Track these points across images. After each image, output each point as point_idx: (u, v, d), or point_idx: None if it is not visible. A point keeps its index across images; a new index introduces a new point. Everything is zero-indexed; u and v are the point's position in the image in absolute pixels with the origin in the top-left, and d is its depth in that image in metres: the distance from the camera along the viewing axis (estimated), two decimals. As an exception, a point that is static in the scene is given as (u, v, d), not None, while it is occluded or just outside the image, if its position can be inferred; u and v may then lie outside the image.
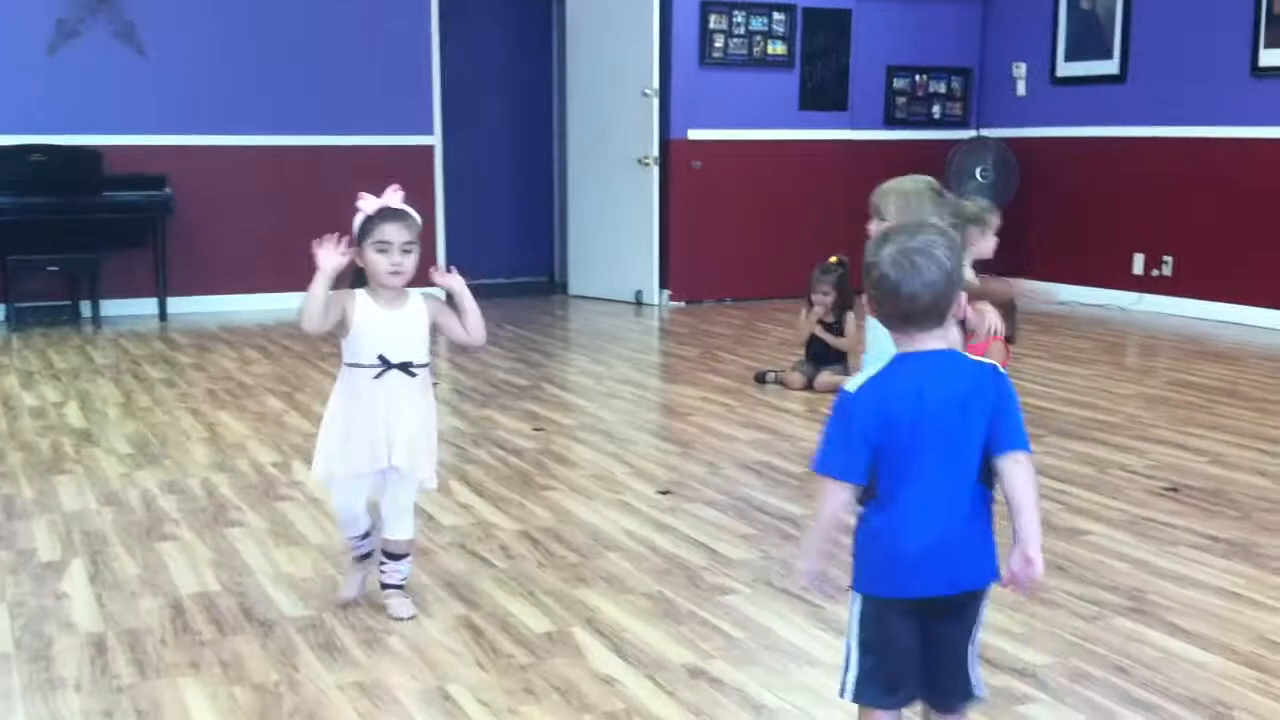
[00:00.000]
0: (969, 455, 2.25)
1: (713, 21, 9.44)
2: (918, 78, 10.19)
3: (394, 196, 3.25)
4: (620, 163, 9.54)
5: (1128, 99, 9.17)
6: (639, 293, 9.61)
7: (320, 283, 3.16)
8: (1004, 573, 2.32)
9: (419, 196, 9.38)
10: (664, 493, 4.63)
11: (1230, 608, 3.47)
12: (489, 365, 7.12)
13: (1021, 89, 10.05)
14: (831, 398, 5.80)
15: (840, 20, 9.83)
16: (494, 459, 5.09)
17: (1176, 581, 3.67)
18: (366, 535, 3.50)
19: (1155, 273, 8.94)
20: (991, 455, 2.26)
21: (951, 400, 2.22)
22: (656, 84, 9.27)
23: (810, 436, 5.46)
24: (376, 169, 9.22)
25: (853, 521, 2.33)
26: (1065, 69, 9.67)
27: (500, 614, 3.43)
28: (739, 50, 9.55)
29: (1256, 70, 8.32)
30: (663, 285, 9.52)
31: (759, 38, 9.59)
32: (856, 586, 2.33)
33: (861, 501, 2.29)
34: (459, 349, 7.54)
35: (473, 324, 3.38)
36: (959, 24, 10.28)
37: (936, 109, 10.31)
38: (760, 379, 6.60)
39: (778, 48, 9.66)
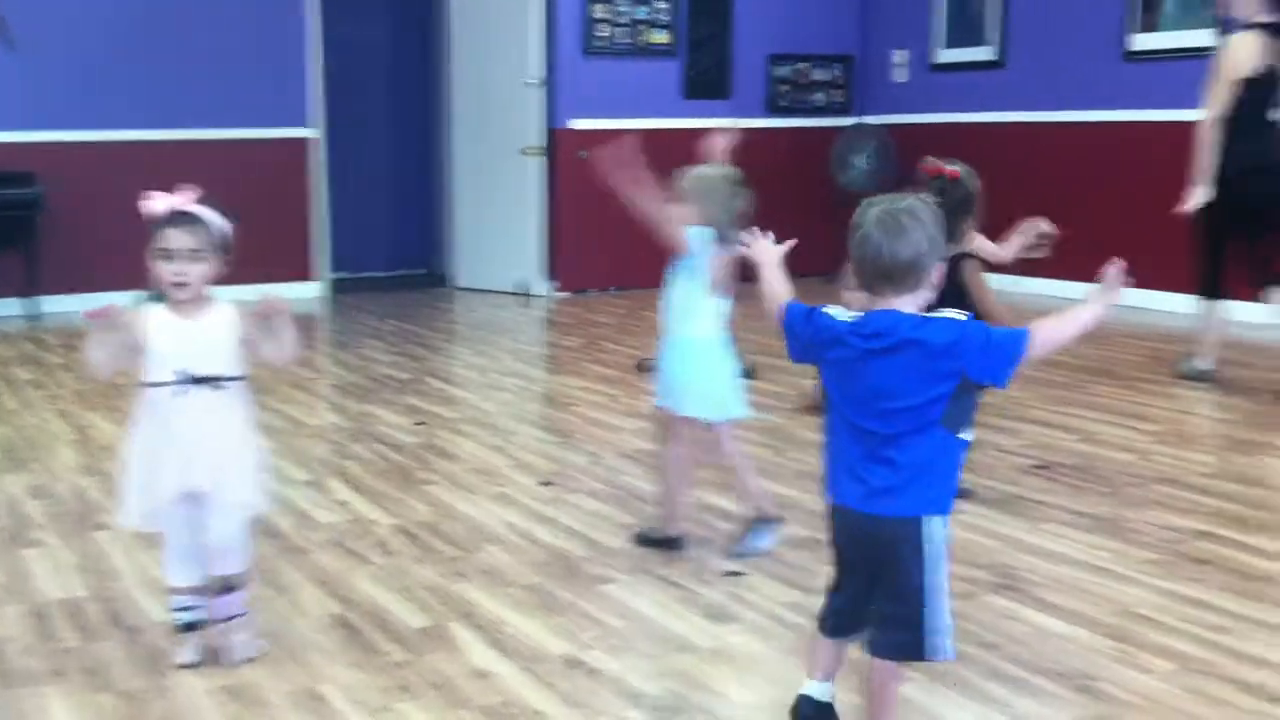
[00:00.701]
0: (899, 407, 2.34)
1: (597, 10, 9.42)
2: (799, 65, 10.26)
3: (183, 198, 2.93)
4: (505, 153, 9.49)
5: (1005, 84, 9.32)
6: (524, 283, 9.56)
7: (92, 339, 2.91)
8: None
9: (297, 190, 9.35)
10: (545, 484, 4.61)
11: (1097, 582, 3.54)
12: (370, 359, 7.04)
13: (902, 75, 10.17)
14: None
15: (722, 8, 9.86)
16: (373, 454, 5.03)
17: (1046, 558, 3.74)
18: (197, 594, 3.07)
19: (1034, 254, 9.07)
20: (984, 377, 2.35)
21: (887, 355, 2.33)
22: (541, 73, 9.23)
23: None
24: (254, 163, 9.10)
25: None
26: (944, 56, 9.80)
27: (376, 611, 3.39)
28: (623, 39, 9.54)
29: (1129, 55, 8.50)
30: (551, 276, 9.49)
31: (642, 26, 9.59)
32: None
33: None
34: (341, 345, 7.46)
35: (286, 348, 3.04)
36: (839, 12, 10.37)
37: (819, 96, 10.40)
38: (642, 367, 6.59)
39: (661, 36, 9.67)
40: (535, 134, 9.32)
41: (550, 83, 9.34)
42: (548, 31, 9.27)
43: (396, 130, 10.87)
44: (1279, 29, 5.93)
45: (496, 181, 9.65)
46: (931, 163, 4.45)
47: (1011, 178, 9.23)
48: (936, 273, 2.37)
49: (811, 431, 5.33)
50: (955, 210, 4.04)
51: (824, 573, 3.59)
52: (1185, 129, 8.22)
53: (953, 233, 3.57)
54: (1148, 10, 8.41)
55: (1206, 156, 6.07)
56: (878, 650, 2.45)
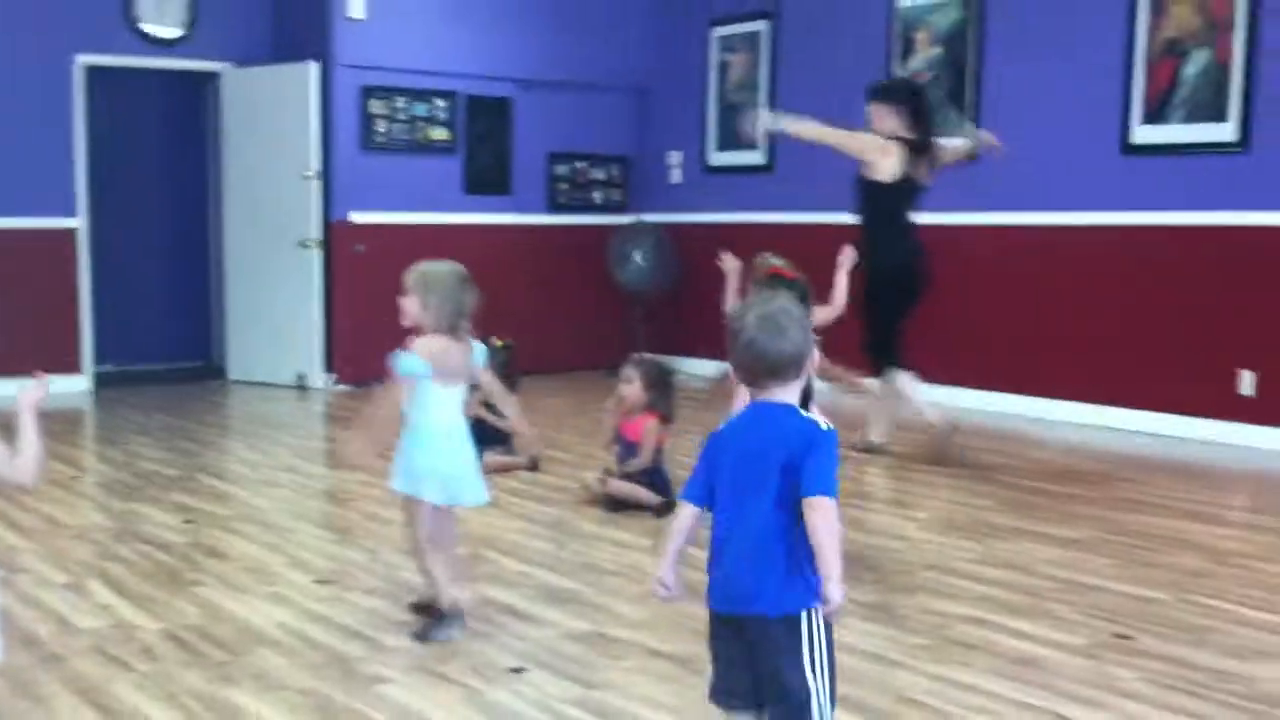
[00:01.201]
0: (764, 488, 2.51)
1: (374, 106, 9.40)
2: (578, 165, 10.43)
3: None
4: (281, 245, 9.35)
5: (774, 186, 9.64)
6: (302, 376, 9.39)
7: None
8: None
9: (62, 281, 9.01)
10: (321, 582, 4.50)
11: (871, 667, 3.62)
12: (136, 455, 6.79)
13: (677, 176, 10.42)
14: (496, 479, 5.88)
15: (502, 108, 9.96)
16: (138, 555, 4.84)
17: (821, 645, 3.81)
18: None
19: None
20: (800, 493, 2.48)
21: (754, 445, 2.54)
22: (317, 167, 9.15)
23: (475, 518, 5.43)
24: (15, 252, 8.77)
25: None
26: (716, 158, 10.10)
27: None
28: (402, 134, 9.54)
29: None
30: (329, 368, 9.33)
31: (421, 123, 9.61)
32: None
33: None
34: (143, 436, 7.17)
35: (24, 461, 2.68)
36: (616, 114, 10.60)
37: (597, 194, 10.57)
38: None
39: (440, 133, 9.70)
40: (313, 226, 9.21)
41: (327, 176, 9.26)
42: (324, 125, 9.21)
43: (168, 220, 10.60)
44: (917, 145, 6.70)
45: (273, 272, 9.49)
46: (770, 263, 4.80)
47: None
48: (811, 364, 2.62)
49: (593, 524, 5.35)
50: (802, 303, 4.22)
51: (604, 665, 3.61)
52: (943, 231, 8.64)
53: None
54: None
55: (804, 125, 7.01)
56: None
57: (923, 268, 6.81)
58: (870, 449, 6.76)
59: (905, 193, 6.75)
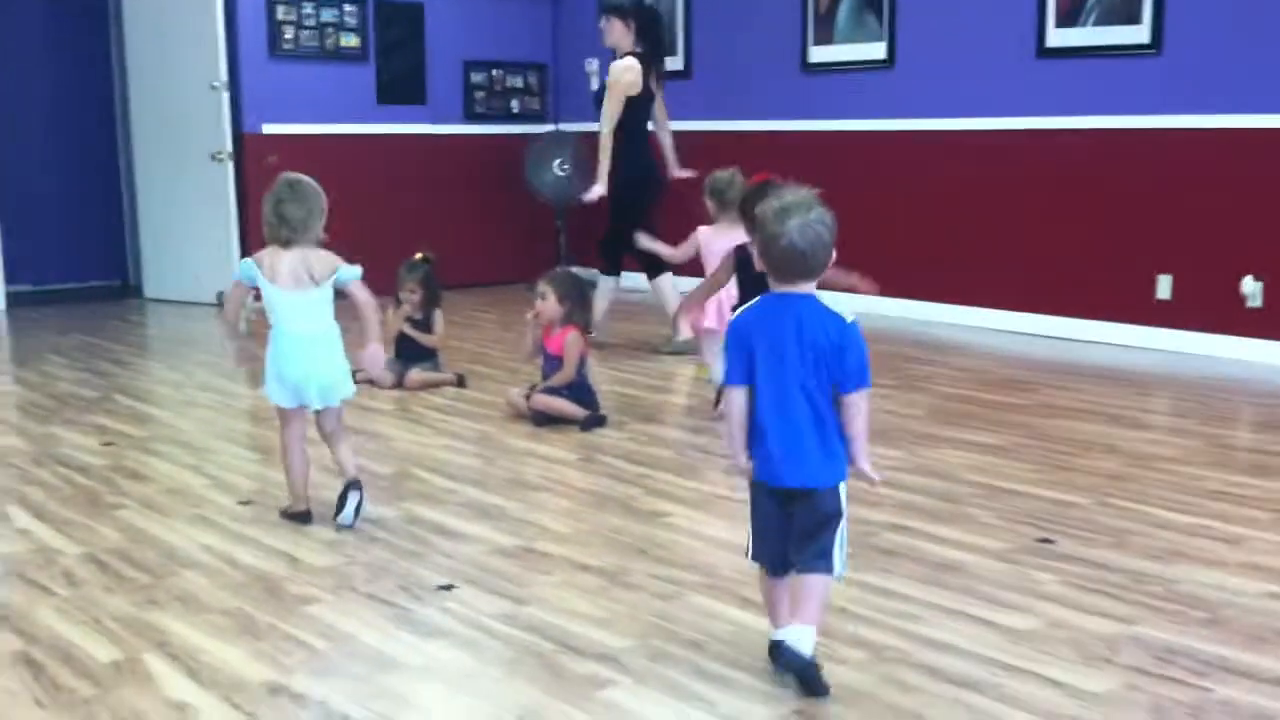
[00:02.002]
0: (802, 378, 2.87)
1: (280, 12, 9.18)
2: (494, 73, 10.27)
3: None
4: (192, 159, 9.14)
5: (691, 93, 9.56)
6: (220, 294, 9.23)
7: None
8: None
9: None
10: (245, 503, 4.46)
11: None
12: (52, 377, 6.66)
13: (595, 84, 10.29)
14: (422, 395, 5.96)
15: (413, 14, 9.78)
16: (57, 479, 4.76)
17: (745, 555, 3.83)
18: None
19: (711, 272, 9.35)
20: (841, 390, 2.89)
21: (789, 337, 2.86)
22: (225, 77, 8.93)
23: (402, 436, 5.41)
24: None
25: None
26: (635, 64, 9.98)
27: (62, 646, 3.20)
28: (310, 42, 9.33)
29: (807, 66, 8.86)
30: (244, 286, 9.17)
31: (331, 29, 9.41)
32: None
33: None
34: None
35: None
36: (532, 21, 10.45)
37: (515, 103, 10.44)
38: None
39: (351, 40, 9.50)
40: (222, 139, 9.00)
41: (235, 86, 9.04)
42: (229, 33, 8.96)
43: (75, 135, 10.30)
44: (648, 57, 7.39)
45: (184, 188, 9.28)
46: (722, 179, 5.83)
47: (697, 184, 9.49)
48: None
49: (519, 439, 5.33)
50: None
51: (533, 580, 3.62)
52: (861, 137, 8.64)
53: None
54: (821, 24, 8.77)
55: (606, 161, 7.33)
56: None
57: (662, 174, 7.55)
58: (675, 351, 7.20)
59: (644, 105, 7.41)
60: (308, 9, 9.28)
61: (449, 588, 3.60)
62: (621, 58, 7.40)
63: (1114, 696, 2.88)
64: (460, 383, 6.40)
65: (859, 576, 3.64)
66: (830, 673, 2.99)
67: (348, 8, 9.45)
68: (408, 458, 5.04)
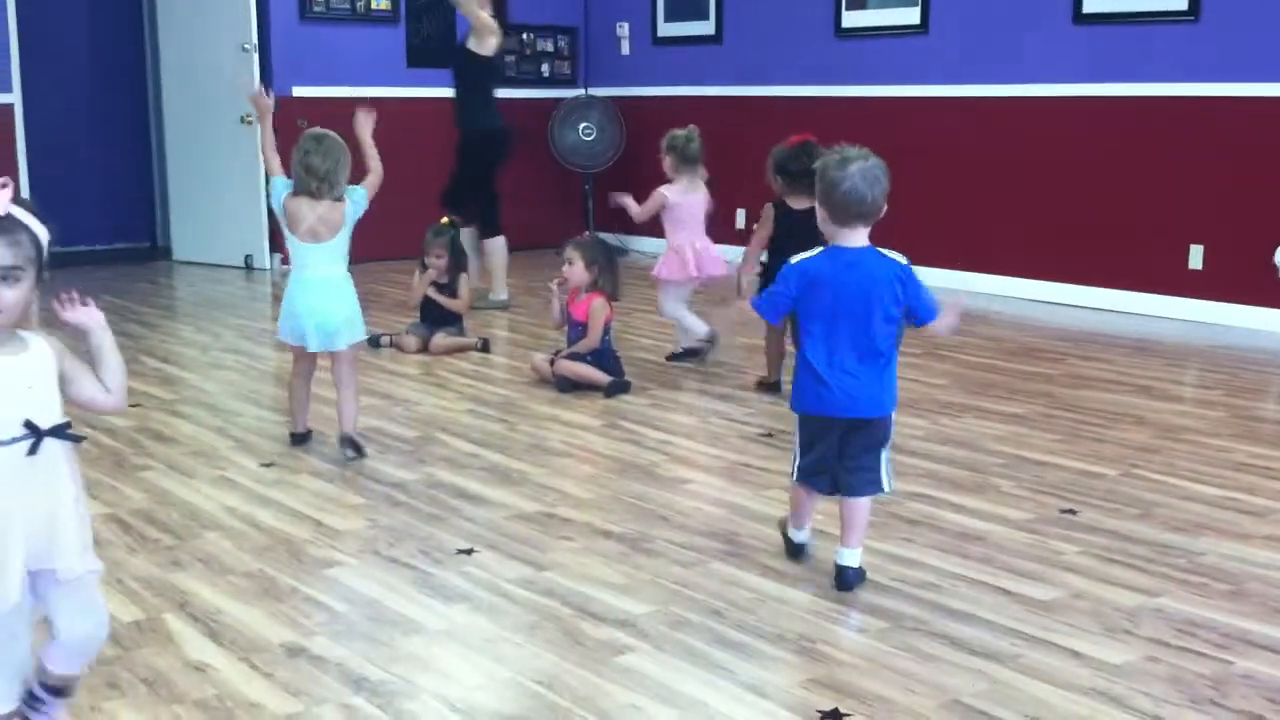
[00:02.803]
0: (870, 322, 3.20)
1: (311, -26, 9.16)
2: (525, 36, 10.23)
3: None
4: (222, 121, 9.15)
5: (723, 59, 9.50)
6: (249, 257, 9.26)
7: None
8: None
9: (-3, 159, 8.79)
10: (268, 465, 4.47)
11: (816, 545, 3.64)
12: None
13: (625, 49, 10.25)
14: (446, 360, 6.06)
15: (445, -24, 9.73)
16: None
17: (768, 523, 3.83)
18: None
19: (756, 227, 9.31)
20: (918, 324, 3.28)
21: (856, 284, 3.19)
22: (255, 39, 8.92)
23: (426, 400, 5.42)
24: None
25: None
26: (665, 29, 9.92)
27: (85, 606, 3.22)
28: (342, 4, 9.31)
29: (840, 32, 8.78)
30: (274, 248, 9.19)
31: (362, -8, 9.39)
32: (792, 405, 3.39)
33: (796, 345, 3.36)
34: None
35: (113, 378, 2.49)
36: (564, -19, 10.39)
37: (545, 67, 10.39)
38: (374, 343, 6.47)
39: (381, 2, 9.48)
40: (254, 102, 8.99)
41: (265, 49, 9.03)
42: (260, -6, 8.94)
43: (105, 95, 10.33)
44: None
45: (214, 150, 9.30)
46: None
47: (729, 151, 9.43)
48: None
49: (543, 405, 5.33)
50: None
51: (553, 546, 3.62)
52: (894, 103, 8.57)
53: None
54: (859, -11, 8.70)
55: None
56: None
57: (510, 135, 7.71)
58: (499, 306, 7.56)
59: (499, 67, 7.85)
60: (338, -30, 9.27)
61: (470, 552, 3.61)
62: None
63: (1134, 668, 2.86)
64: (485, 347, 6.40)
65: (881, 546, 3.63)
66: (850, 641, 2.98)
67: (378, -31, 9.43)
68: (431, 422, 5.05)
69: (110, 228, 10.43)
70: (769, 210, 5.34)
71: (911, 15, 8.35)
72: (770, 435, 4.83)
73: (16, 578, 2.29)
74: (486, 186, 7.61)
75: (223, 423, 5.06)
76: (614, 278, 5.67)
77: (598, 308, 5.52)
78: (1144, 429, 4.94)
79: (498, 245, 7.62)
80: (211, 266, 9.41)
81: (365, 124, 4.74)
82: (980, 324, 7.16)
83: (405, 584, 3.39)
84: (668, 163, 6.05)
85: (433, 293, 6.51)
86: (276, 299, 8.26)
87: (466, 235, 7.34)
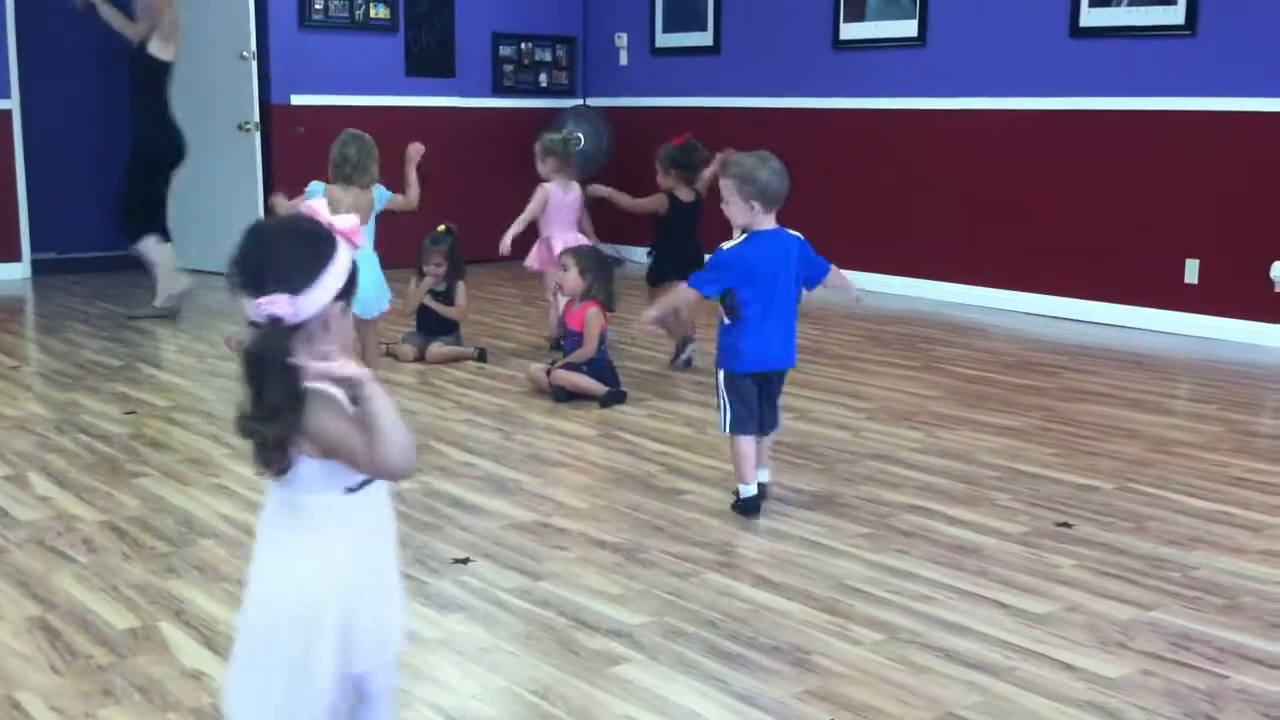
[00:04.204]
0: (793, 287, 4.01)
1: (310, -19, 9.18)
2: (523, 45, 10.24)
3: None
4: (220, 128, 9.13)
5: (721, 70, 9.52)
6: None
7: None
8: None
9: (-7, 165, 8.78)
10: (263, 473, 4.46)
11: (811, 556, 3.65)
12: (77, 344, 6.70)
13: (624, 59, 10.27)
14: (442, 369, 6.14)
15: (443, -16, 9.75)
16: (79, 446, 4.78)
17: (764, 535, 3.84)
18: None
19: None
20: (814, 281, 4.10)
21: (780, 255, 3.97)
22: (254, 46, 8.93)
23: (424, 409, 5.42)
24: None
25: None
26: (664, 40, 9.95)
27: (79, 612, 3.22)
28: (340, 13, 9.33)
29: (838, 44, 8.80)
30: (269, 256, 9.18)
31: (360, 0, 9.39)
32: (719, 365, 4.06)
33: (729, 318, 3.98)
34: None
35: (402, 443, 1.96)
36: (560, -9, 10.41)
37: (543, 77, 10.41)
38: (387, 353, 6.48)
39: (380, 11, 9.50)
40: (250, 109, 9.00)
41: (264, 56, 9.04)
42: (259, 3, 8.95)
43: (101, 101, 10.33)
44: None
45: (211, 157, 9.26)
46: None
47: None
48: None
49: (539, 414, 5.33)
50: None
51: (549, 555, 3.62)
52: (891, 115, 8.59)
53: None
54: (853, 3, 8.71)
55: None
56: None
57: (185, 144, 7.68)
58: (163, 313, 7.60)
59: (171, 72, 7.61)
60: (337, -22, 9.29)
61: (465, 561, 3.61)
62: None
63: (1129, 682, 2.86)
64: (481, 357, 6.40)
65: (876, 557, 3.64)
66: (844, 653, 2.99)
67: (377, -23, 9.45)
68: (427, 431, 5.05)
69: (108, 235, 10.40)
70: (663, 198, 6.26)
71: (909, 28, 8.38)
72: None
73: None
74: (159, 193, 7.69)
75: (218, 430, 5.06)
76: (608, 287, 5.68)
77: (592, 317, 5.52)
78: (1138, 442, 4.94)
79: (166, 250, 7.69)
80: (208, 274, 9.39)
81: (414, 156, 5.78)
82: (975, 336, 7.17)
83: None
84: (551, 164, 6.66)
85: (429, 300, 6.51)
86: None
87: (153, 246, 7.57)
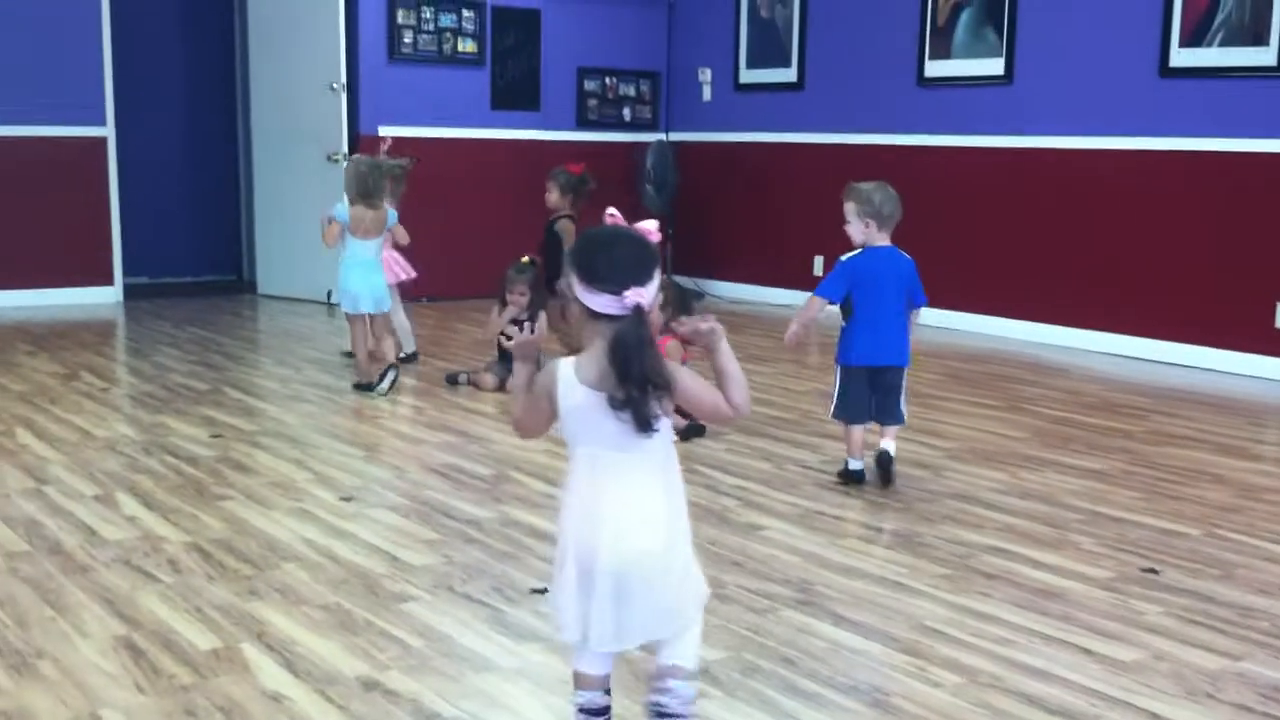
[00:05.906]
0: (901, 296, 4.66)
1: (401, 16, 9.32)
2: (608, 80, 10.31)
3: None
4: (310, 159, 9.30)
5: (805, 106, 9.52)
6: (331, 292, 9.38)
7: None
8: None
9: (93, 191, 9.01)
10: (346, 499, 4.52)
11: (891, 596, 3.62)
12: (166, 369, 6.82)
13: (707, 94, 10.30)
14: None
15: (530, 20, 9.86)
16: (166, 468, 4.86)
17: (843, 573, 3.81)
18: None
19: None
20: (914, 304, 4.72)
21: (892, 270, 4.65)
22: (344, 79, 9.07)
23: (503, 439, 5.45)
24: (46, 161, 8.76)
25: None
26: (747, 75, 9.97)
27: (163, 632, 3.27)
28: (429, 46, 9.46)
29: (923, 80, 8.77)
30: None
31: (449, 34, 9.52)
32: (837, 360, 4.74)
33: (845, 319, 4.67)
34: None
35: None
36: (646, 28, 10.47)
37: (627, 111, 10.47)
38: (452, 380, 6.54)
39: (468, 45, 9.61)
40: (339, 140, 9.14)
41: (353, 88, 9.19)
42: (350, 36, 9.11)
43: (197, 132, 10.57)
44: None
45: (301, 187, 9.44)
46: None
47: (809, 197, 9.42)
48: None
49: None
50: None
51: (626, 589, 3.61)
52: (976, 153, 8.54)
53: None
54: (938, 39, 8.69)
55: None
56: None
57: None
58: None
59: None
60: (427, 14, 9.42)
61: (543, 591, 3.62)
62: None
63: (1216, 733, 2.80)
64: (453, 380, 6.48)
65: (958, 599, 3.60)
66: (924, 695, 2.95)
67: (466, 13, 9.56)
68: (507, 461, 5.08)
69: (198, 260, 10.64)
70: (570, 225, 6.90)
71: (996, 66, 8.33)
72: (846, 483, 4.80)
73: None
74: None
75: (302, 455, 5.12)
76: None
77: (672, 350, 5.52)
78: (1225, 488, 4.85)
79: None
80: (294, 301, 9.54)
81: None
82: (1060, 378, 7.09)
83: (478, 620, 3.40)
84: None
85: (512, 330, 6.54)
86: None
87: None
